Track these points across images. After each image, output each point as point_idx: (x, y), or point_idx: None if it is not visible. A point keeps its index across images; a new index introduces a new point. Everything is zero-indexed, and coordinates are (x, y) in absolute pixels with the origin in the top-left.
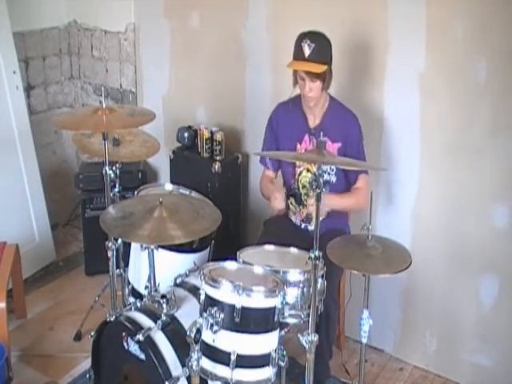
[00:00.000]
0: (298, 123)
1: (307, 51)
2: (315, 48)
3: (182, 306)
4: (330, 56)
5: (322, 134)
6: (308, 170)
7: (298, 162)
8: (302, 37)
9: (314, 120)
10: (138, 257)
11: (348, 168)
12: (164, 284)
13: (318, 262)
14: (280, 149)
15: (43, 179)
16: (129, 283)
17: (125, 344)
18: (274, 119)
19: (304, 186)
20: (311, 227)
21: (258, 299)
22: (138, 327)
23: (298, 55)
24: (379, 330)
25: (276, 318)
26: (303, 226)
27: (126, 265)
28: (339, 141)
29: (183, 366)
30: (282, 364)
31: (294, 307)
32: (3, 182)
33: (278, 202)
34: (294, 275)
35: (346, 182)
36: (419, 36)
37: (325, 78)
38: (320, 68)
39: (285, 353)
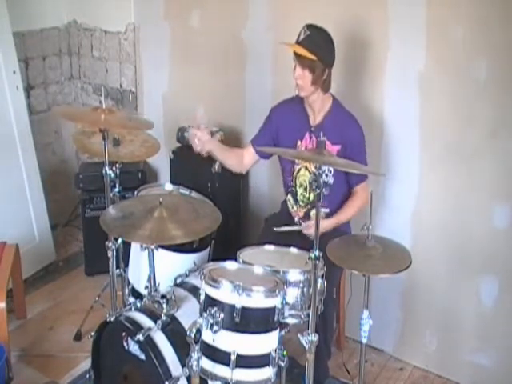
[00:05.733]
0: (299, 120)
1: (301, 36)
2: (309, 36)
3: (182, 305)
4: (325, 51)
5: (322, 133)
6: (306, 168)
7: (296, 160)
8: (306, 25)
9: (314, 118)
10: (138, 257)
11: (347, 170)
12: (164, 284)
13: (317, 262)
14: (280, 144)
15: (43, 179)
16: (129, 283)
17: (125, 344)
18: (275, 113)
19: (301, 185)
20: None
21: (258, 299)
22: (138, 327)
23: (296, 39)
24: (379, 330)
25: (276, 318)
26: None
27: (126, 265)
28: (339, 143)
29: (183, 366)
30: (282, 364)
31: (294, 307)
32: (3, 182)
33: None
34: (294, 275)
35: (344, 184)
36: (419, 36)
37: (314, 70)
38: (305, 53)
39: (285, 353)
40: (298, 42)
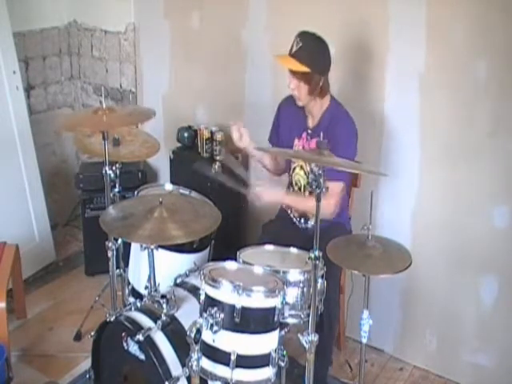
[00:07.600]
0: (299, 119)
1: (294, 48)
2: (301, 47)
3: (182, 305)
4: (319, 61)
5: (321, 134)
6: (301, 168)
7: (293, 158)
8: (298, 34)
9: (313, 120)
10: (138, 257)
11: (348, 170)
12: (164, 284)
13: (317, 262)
14: (280, 139)
15: (43, 179)
16: (129, 283)
17: (125, 344)
18: (281, 107)
19: (296, 184)
20: (311, 222)
21: (258, 299)
22: (138, 327)
23: (288, 50)
24: (379, 329)
25: (276, 318)
26: (302, 221)
27: (126, 265)
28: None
29: (183, 366)
30: (282, 364)
31: (294, 307)
32: (3, 182)
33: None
34: (294, 275)
35: None
36: (419, 36)
37: (310, 82)
38: (297, 67)
39: (285, 353)
40: (290, 54)
